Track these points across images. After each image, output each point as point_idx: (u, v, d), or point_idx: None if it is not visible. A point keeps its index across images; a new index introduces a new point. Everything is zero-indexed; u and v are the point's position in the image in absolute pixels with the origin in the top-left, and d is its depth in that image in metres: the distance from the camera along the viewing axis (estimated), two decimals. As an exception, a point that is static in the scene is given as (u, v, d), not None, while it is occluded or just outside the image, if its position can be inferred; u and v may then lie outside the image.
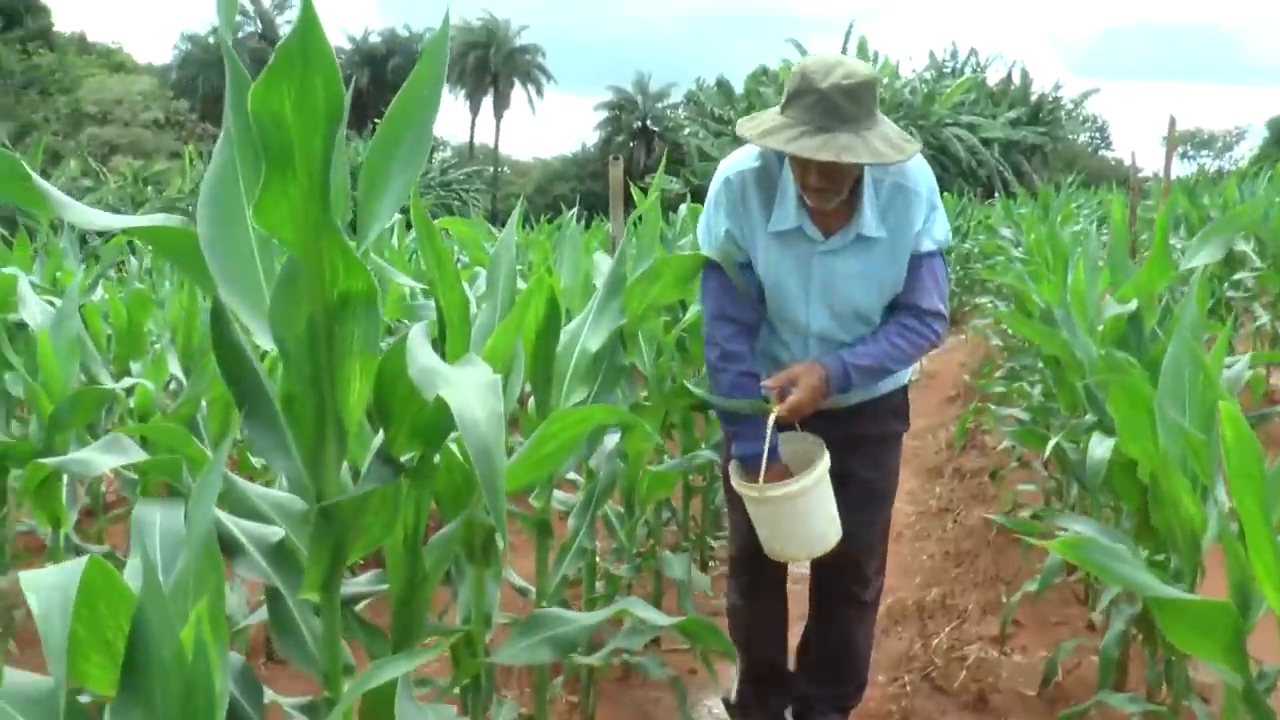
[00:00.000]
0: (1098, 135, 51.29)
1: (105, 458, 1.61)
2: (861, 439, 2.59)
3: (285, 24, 51.83)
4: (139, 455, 1.63)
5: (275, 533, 1.56)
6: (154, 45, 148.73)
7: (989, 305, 8.18)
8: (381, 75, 51.53)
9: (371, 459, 1.44)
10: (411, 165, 1.31)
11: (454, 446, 1.65)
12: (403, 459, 1.45)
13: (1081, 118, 44.47)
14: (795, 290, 2.46)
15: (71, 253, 4.53)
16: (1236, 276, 6.31)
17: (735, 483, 2.48)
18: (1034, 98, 39.45)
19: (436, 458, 1.57)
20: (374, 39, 53.23)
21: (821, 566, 2.69)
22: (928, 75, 38.24)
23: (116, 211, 23.55)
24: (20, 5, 45.92)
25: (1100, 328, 2.97)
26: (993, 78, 39.89)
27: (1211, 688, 2.70)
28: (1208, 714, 2.33)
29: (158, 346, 4.00)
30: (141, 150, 34.82)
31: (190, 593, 1.24)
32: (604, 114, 48.01)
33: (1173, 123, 5.29)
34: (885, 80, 34.76)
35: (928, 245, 2.44)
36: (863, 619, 2.76)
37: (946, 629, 3.52)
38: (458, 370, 1.22)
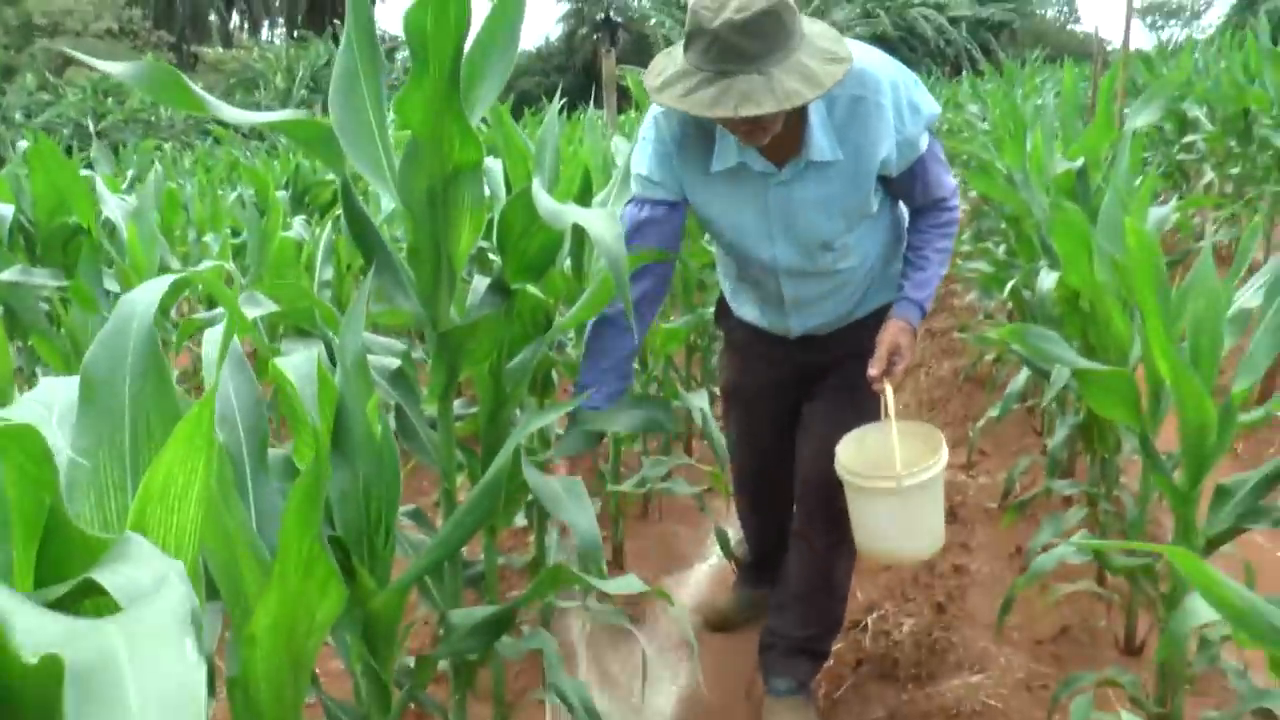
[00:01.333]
0: (1065, 9, 51.16)
1: (250, 309, 2.01)
2: (842, 357, 2.45)
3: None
4: (272, 306, 2.04)
5: (394, 363, 1.98)
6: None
7: (958, 177, 8.58)
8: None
9: (485, 290, 1.85)
10: (505, 60, 1.70)
11: (532, 287, 2.05)
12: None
13: (1047, -9, 44.32)
14: (754, 229, 2.25)
15: (105, 161, 4.85)
16: (1188, 139, 6.74)
17: (852, 474, 2.18)
18: (1001, -27, 39.25)
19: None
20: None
21: (805, 488, 2.52)
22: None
23: (80, 123, 23.41)
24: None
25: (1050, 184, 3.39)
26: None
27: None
28: (1130, 495, 2.83)
29: (197, 241, 4.37)
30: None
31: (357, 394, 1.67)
32: (566, 6, 47.43)
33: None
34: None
35: (924, 144, 2.20)
36: (842, 556, 2.52)
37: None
38: (581, 209, 1.62)
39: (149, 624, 0.57)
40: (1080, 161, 3.27)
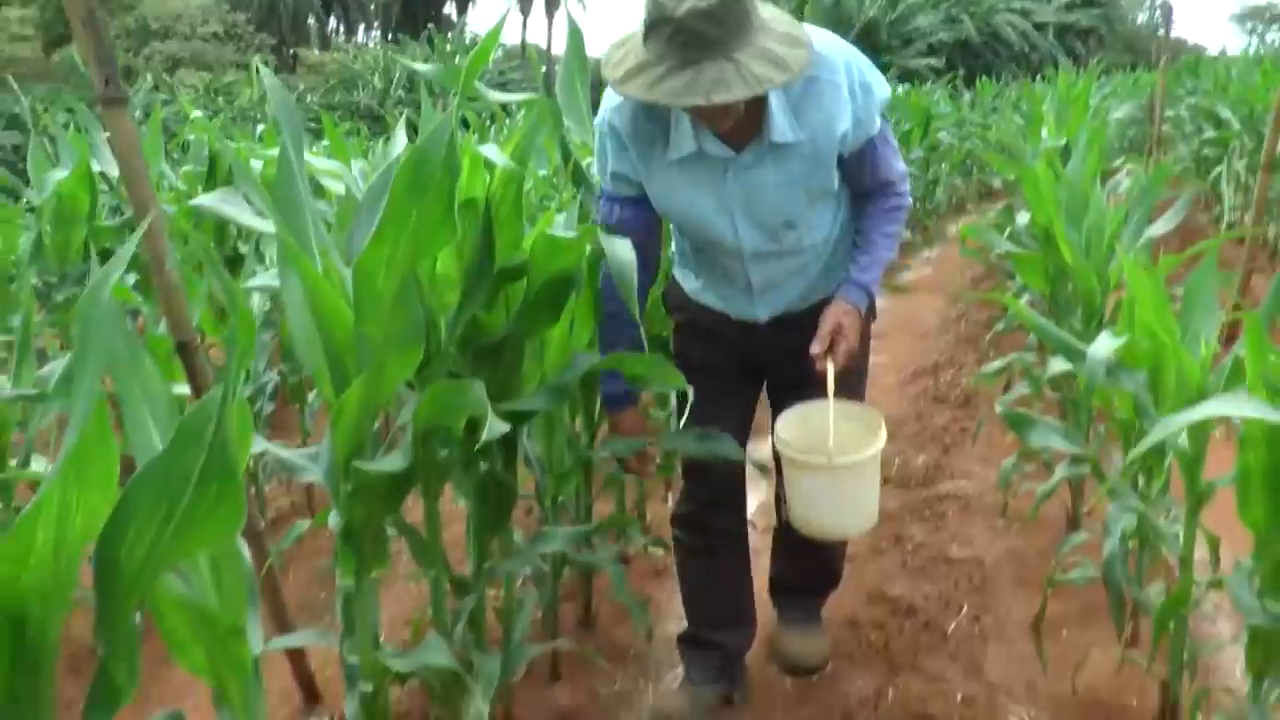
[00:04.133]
0: (1160, 15, 50.48)
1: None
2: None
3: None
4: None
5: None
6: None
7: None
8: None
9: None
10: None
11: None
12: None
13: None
14: (715, 215, 2.23)
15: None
16: (1207, 135, 7.37)
17: (789, 452, 2.21)
18: (1090, -21, 39.04)
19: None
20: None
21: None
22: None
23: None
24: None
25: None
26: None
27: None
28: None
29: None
30: (203, 63, 35.86)
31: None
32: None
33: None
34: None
35: (876, 125, 2.20)
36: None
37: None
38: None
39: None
40: (1063, 140, 3.91)
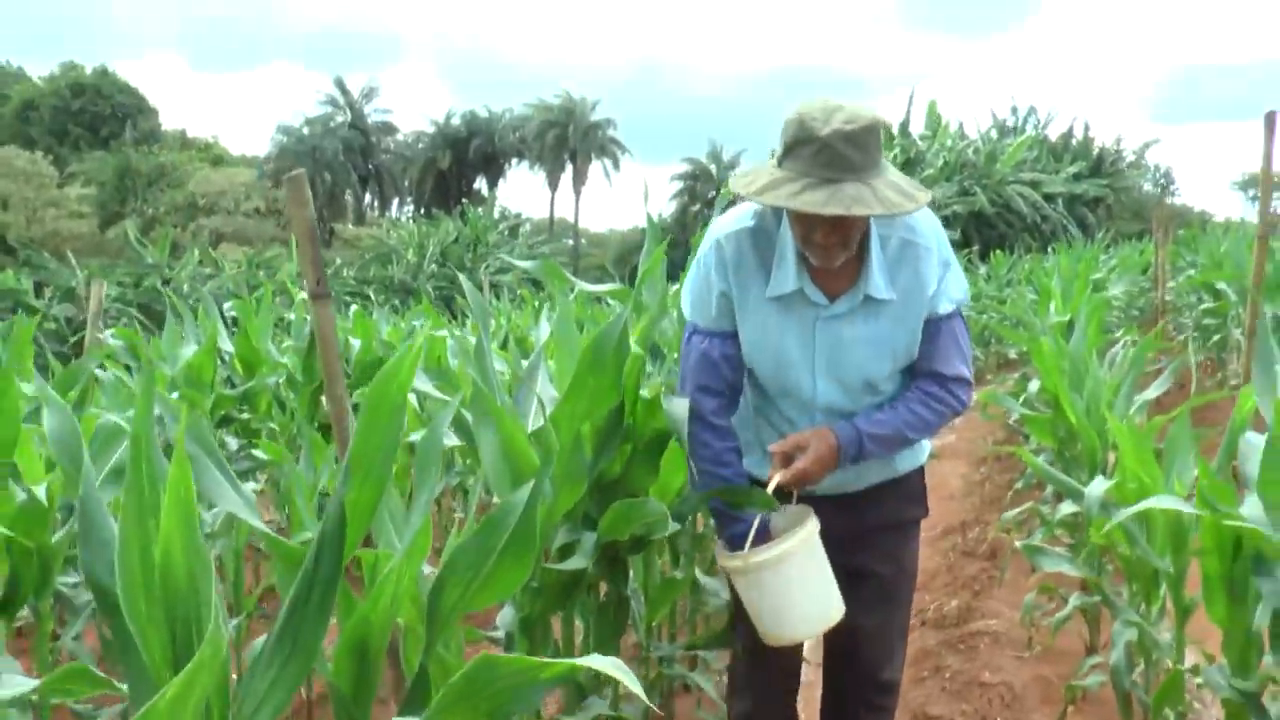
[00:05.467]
0: (1163, 182, 52.22)
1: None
2: (876, 528, 2.38)
3: (373, 113, 55.25)
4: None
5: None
6: (244, 138, 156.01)
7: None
8: (464, 155, 54.52)
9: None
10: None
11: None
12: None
13: (1143, 167, 45.37)
14: (798, 360, 2.24)
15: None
16: (1205, 305, 8.04)
17: (721, 557, 2.27)
18: (1096, 151, 40.52)
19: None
20: (455, 121, 56.26)
21: (834, 676, 2.52)
22: (993, 134, 39.55)
23: (237, 293, 26.06)
24: (133, 108, 50.08)
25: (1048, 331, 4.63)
26: (1054, 133, 41.19)
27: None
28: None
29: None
30: (244, 237, 37.57)
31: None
32: (679, 184, 50.06)
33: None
34: (949, 144, 36.23)
35: (945, 306, 2.23)
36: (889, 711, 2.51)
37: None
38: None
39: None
40: (1067, 316, 4.51)
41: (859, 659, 2.41)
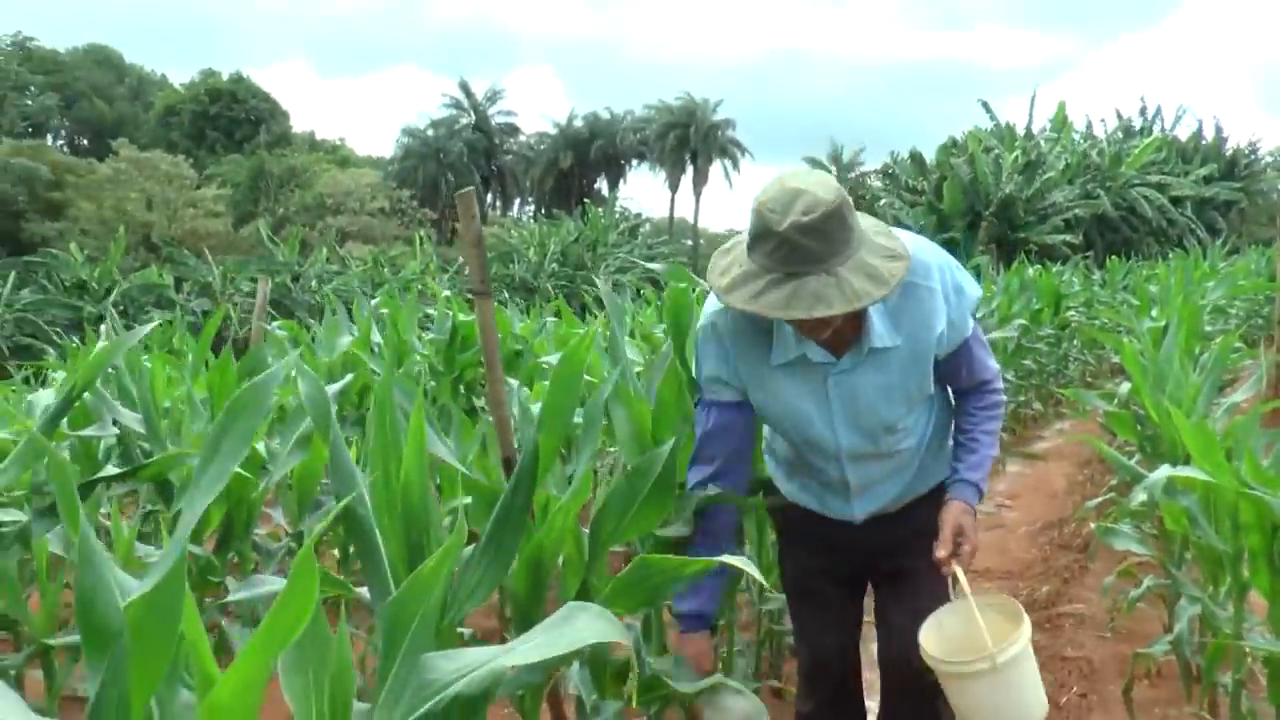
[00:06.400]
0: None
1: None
2: (910, 536, 2.41)
3: (497, 114, 56.63)
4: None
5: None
6: (369, 139, 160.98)
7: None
8: (586, 156, 55.49)
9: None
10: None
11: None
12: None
13: (1283, 170, 43.64)
14: (815, 416, 2.28)
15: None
16: None
17: (944, 663, 2.15)
18: (1229, 153, 39.23)
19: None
20: (578, 123, 57.20)
21: (887, 680, 2.50)
22: (1119, 135, 38.64)
23: (364, 291, 27.22)
24: (266, 112, 52.38)
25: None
26: (1182, 134, 40.03)
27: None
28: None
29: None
30: (369, 236, 38.96)
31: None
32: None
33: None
34: (1073, 145, 35.47)
35: (969, 327, 2.29)
36: None
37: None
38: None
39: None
40: (1163, 321, 4.75)
41: (912, 666, 2.27)
